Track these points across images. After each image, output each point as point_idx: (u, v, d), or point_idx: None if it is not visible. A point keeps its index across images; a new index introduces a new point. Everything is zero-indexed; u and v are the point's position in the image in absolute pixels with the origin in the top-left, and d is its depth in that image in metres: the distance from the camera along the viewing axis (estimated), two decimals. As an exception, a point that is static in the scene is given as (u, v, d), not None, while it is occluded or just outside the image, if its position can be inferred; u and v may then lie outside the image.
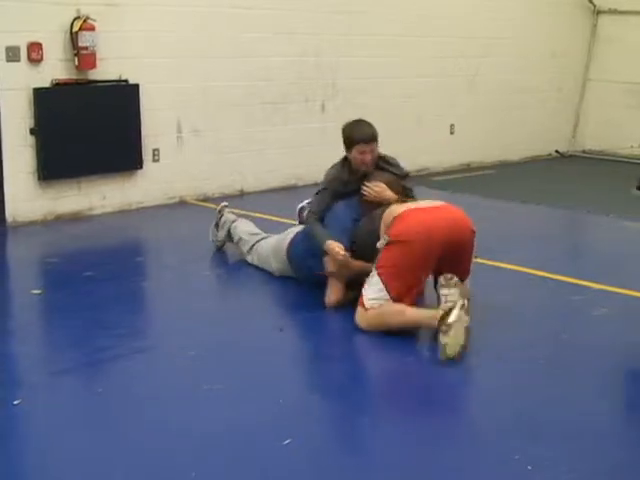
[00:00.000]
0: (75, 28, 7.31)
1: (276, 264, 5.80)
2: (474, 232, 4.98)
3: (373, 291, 4.84)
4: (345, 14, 9.45)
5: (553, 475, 3.37)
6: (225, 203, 6.63)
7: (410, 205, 5.05)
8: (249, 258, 6.08)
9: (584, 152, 12.58)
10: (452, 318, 4.44)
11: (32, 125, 7.30)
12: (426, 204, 5.11)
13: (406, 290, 4.83)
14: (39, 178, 7.42)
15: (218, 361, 4.48)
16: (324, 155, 9.43)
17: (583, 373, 4.44)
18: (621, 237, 7.05)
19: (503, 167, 11.36)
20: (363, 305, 4.88)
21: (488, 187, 9.69)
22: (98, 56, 7.46)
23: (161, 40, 7.99)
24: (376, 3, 9.74)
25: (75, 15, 7.33)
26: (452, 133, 11.08)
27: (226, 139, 8.70)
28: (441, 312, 4.52)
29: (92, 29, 7.36)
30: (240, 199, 8.50)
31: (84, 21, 7.33)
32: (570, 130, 12.71)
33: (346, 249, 5.15)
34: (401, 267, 4.81)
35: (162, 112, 8.13)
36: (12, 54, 7.10)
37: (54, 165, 7.46)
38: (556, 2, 11.96)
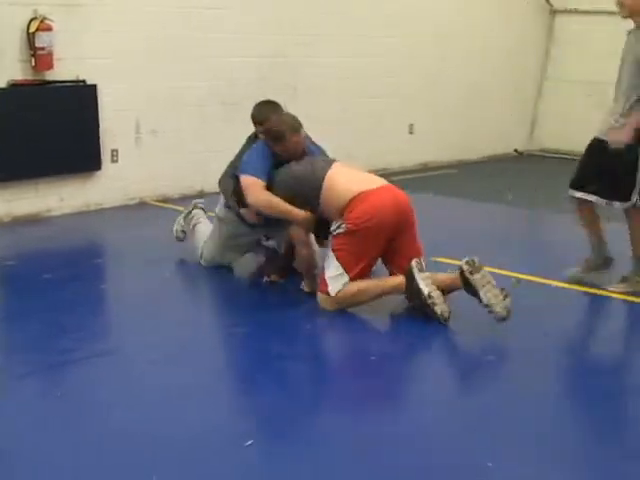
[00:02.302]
0: (32, 28, 7.22)
1: (213, 247, 5.99)
2: (412, 209, 5.31)
3: (334, 277, 5.12)
4: (306, 15, 9.45)
5: (513, 472, 3.39)
6: (200, 200, 6.68)
7: (357, 185, 5.23)
8: (201, 261, 6.13)
9: (542, 151, 12.71)
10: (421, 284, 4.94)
11: (-12, 126, 7.23)
12: (369, 182, 5.35)
13: (363, 269, 5.15)
14: (-5, 180, 7.35)
15: (179, 363, 4.46)
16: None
17: (545, 368, 4.48)
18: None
19: (463, 166, 11.43)
20: (325, 292, 5.15)
21: (448, 186, 9.75)
22: (55, 57, 7.38)
23: (119, 40, 7.93)
24: (337, 4, 9.75)
25: (32, 15, 7.25)
26: (411, 133, 11.13)
27: (186, 139, 8.66)
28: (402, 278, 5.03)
29: (49, 29, 7.28)
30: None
31: (41, 21, 7.24)
32: (528, 129, 12.83)
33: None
34: (359, 252, 5.12)
35: (120, 112, 8.07)
36: (-32, 55, 7.03)
37: (10, 166, 7.37)
38: (514, 2, 12.06)
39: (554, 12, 12.55)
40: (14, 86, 7.29)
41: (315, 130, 9.71)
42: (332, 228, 5.19)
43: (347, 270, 5.09)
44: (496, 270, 5.88)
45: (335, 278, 5.12)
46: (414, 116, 11.06)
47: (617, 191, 5.51)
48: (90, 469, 3.35)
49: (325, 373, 4.58)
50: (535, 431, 3.74)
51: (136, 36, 8.05)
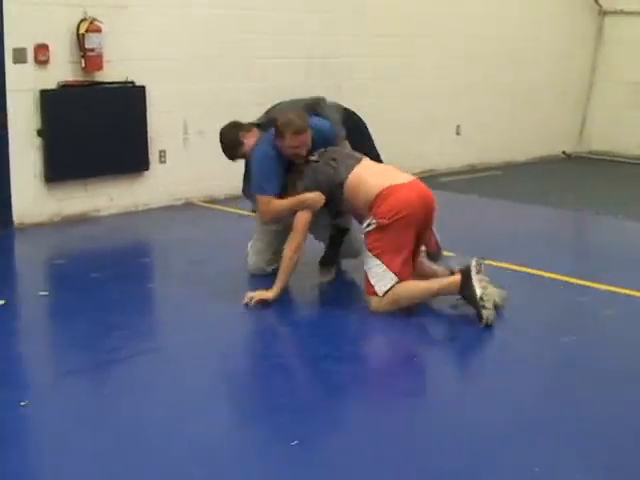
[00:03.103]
0: (82, 30, 7.32)
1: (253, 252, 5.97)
2: (436, 205, 5.35)
3: (378, 275, 5.09)
4: (350, 15, 9.45)
5: (560, 477, 3.35)
6: None
7: (384, 180, 5.24)
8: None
9: (590, 153, 12.57)
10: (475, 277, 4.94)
11: (39, 127, 7.31)
12: (396, 177, 5.32)
13: (404, 263, 5.14)
14: (46, 180, 7.43)
15: (225, 363, 4.48)
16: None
17: (591, 373, 4.43)
18: (629, 238, 7.04)
19: (510, 168, 11.35)
20: (375, 293, 5.10)
21: (495, 188, 9.68)
22: (104, 58, 7.46)
23: (167, 42, 7.99)
24: (381, 4, 9.74)
25: (82, 17, 7.34)
26: (458, 134, 11.07)
27: (232, 140, 8.68)
28: (458, 276, 5.01)
29: (99, 31, 7.36)
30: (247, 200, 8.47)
31: (91, 23, 7.33)
32: (577, 131, 12.70)
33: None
34: (394, 245, 5.11)
35: (168, 113, 8.13)
36: (19, 56, 7.10)
37: (61, 167, 7.47)
38: (563, 3, 11.95)
39: (603, 13, 12.41)
40: (64, 87, 7.39)
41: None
42: (363, 226, 5.21)
43: (389, 266, 5.07)
44: (541, 272, 5.86)
45: (380, 277, 5.09)
46: (461, 117, 11.00)
47: None
48: (137, 468, 3.37)
49: (370, 373, 4.56)
50: (585, 434, 3.70)
51: (184, 38, 8.11)
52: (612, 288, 5.64)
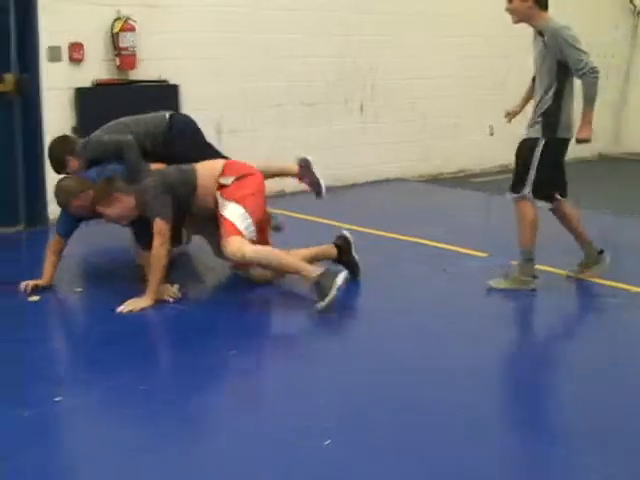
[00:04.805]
0: (116, 29, 7.38)
1: None
2: None
3: (239, 217, 5.21)
4: (382, 15, 9.44)
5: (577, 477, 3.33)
6: None
7: (218, 160, 5.68)
8: None
9: (626, 154, 12.46)
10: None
11: (73, 124, 7.37)
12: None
13: (261, 221, 5.40)
14: (80, 177, 7.48)
15: (257, 360, 4.49)
16: (362, 156, 9.47)
17: (614, 374, 4.39)
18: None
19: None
20: (238, 232, 5.14)
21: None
22: (138, 56, 7.52)
23: (201, 41, 8.03)
24: (413, 4, 9.71)
25: (116, 16, 7.40)
26: (491, 134, 11.01)
27: (265, 139, 8.71)
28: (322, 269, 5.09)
29: (132, 30, 7.42)
30: (281, 199, 8.48)
31: (125, 22, 7.39)
32: (613, 131, 12.59)
33: None
34: (256, 196, 5.37)
35: (202, 112, 8.10)
36: (54, 54, 7.18)
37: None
38: (597, 3, 11.85)
39: (638, 13, 12.31)
40: (99, 85, 7.45)
41: (392, 131, 9.74)
42: (219, 187, 5.36)
43: (251, 214, 5.24)
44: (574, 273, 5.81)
45: (242, 219, 5.20)
46: (494, 117, 10.92)
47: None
48: (173, 465, 3.38)
49: (395, 374, 4.55)
50: (603, 433, 3.67)
51: (217, 37, 8.15)
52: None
